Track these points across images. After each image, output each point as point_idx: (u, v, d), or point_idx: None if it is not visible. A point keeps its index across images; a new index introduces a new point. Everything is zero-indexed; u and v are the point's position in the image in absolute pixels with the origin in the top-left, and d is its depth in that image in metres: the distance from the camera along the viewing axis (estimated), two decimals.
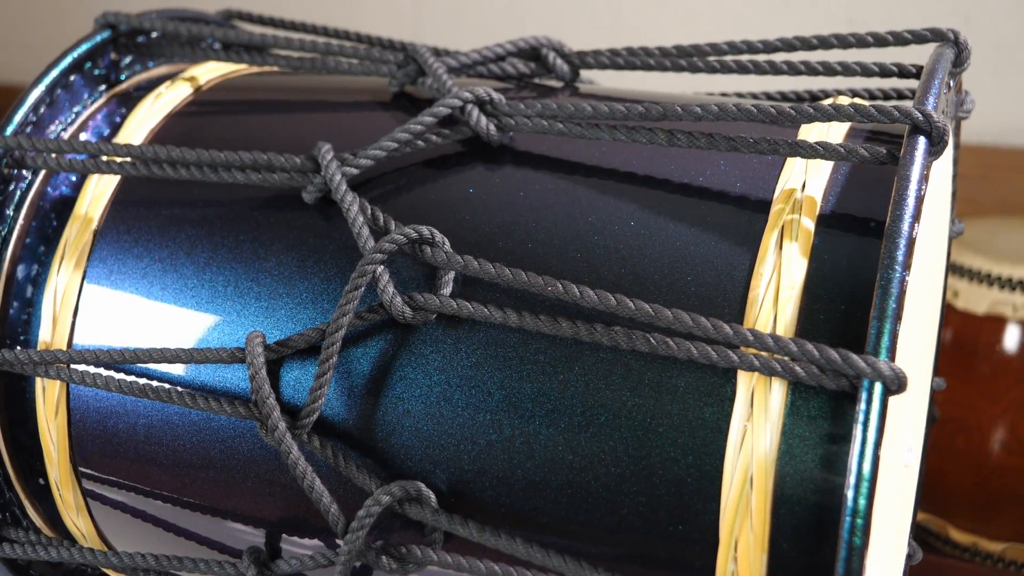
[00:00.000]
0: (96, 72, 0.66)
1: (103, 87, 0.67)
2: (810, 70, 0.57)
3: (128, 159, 0.60)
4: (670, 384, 0.49)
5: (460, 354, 0.52)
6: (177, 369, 0.57)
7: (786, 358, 0.46)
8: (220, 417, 0.56)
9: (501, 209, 0.54)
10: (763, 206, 0.51)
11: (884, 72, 0.56)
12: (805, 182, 0.51)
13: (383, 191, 0.56)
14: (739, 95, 0.66)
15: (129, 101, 0.67)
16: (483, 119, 0.55)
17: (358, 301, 0.52)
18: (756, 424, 0.47)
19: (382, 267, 0.52)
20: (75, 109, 0.65)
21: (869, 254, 0.49)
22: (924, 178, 0.46)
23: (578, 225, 0.52)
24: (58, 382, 0.60)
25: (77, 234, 0.60)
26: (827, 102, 0.53)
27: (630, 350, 0.49)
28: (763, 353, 0.46)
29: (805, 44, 0.58)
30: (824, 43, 0.57)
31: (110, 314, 0.59)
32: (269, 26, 0.72)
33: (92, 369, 0.58)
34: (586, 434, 0.50)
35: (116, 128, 0.65)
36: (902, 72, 0.56)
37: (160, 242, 0.59)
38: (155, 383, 0.56)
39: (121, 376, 0.58)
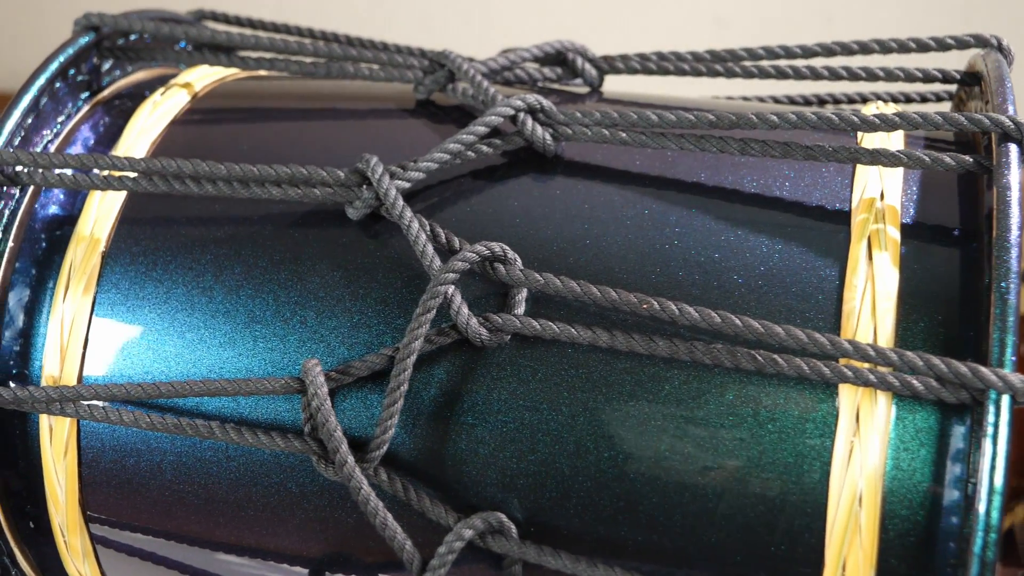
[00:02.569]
0: (79, 78, 0.61)
1: (86, 94, 0.62)
2: (852, 75, 0.57)
3: (135, 174, 0.55)
4: (769, 401, 0.47)
5: (537, 376, 0.49)
6: (215, 402, 0.53)
7: (888, 371, 0.46)
8: (263, 452, 0.52)
9: (567, 223, 0.52)
10: (843, 216, 0.50)
11: (928, 77, 0.56)
12: (883, 191, 0.50)
13: (435, 205, 0.53)
14: (759, 99, 0.65)
15: (114, 110, 0.61)
16: (538, 128, 0.53)
17: (429, 324, 0.49)
18: (864, 439, 0.46)
19: (453, 287, 0.49)
20: (59, 119, 0.60)
21: (957, 263, 0.48)
22: (1022, 185, 0.46)
23: (653, 238, 0.51)
24: (67, 420, 0.55)
25: (84, 256, 0.55)
26: (888, 110, 0.53)
27: (730, 367, 0.47)
28: (876, 367, 0.46)
29: (845, 49, 0.57)
30: (865, 48, 0.57)
31: (128, 344, 0.54)
32: (247, 27, 0.68)
33: (110, 405, 0.53)
34: (679, 455, 0.48)
35: (111, 140, 0.60)
36: (946, 78, 0.56)
37: (183, 263, 0.54)
38: (191, 419, 0.52)
39: (149, 412, 0.53)
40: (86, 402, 0.53)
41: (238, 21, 0.68)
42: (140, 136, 0.58)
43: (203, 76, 0.63)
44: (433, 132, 0.56)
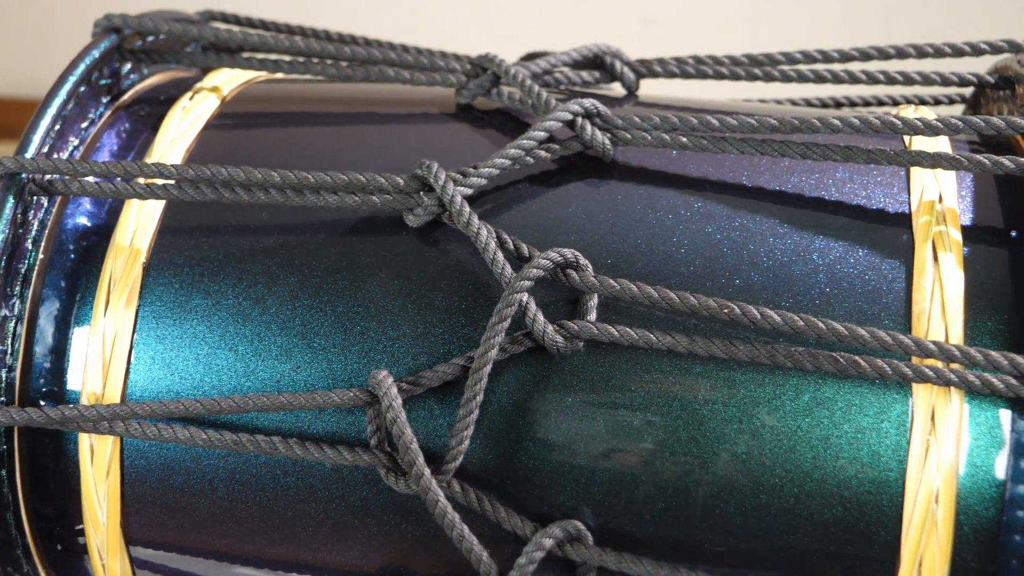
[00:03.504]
0: (102, 82, 0.59)
1: (106, 99, 0.59)
2: (889, 79, 0.58)
3: (179, 181, 0.53)
4: (844, 402, 0.48)
5: (611, 383, 0.49)
6: (270, 416, 0.51)
7: (960, 369, 0.46)
8: (322, 466, 0.51)
9: (631, 228, 0.51)
10: (903, 218, 0.51)
11: (963, 82, 0.58)
12: (941, 194, 0.51)
13: (496, 212, 0.52)
14: (791, 102, 0.66)
15: (137, 116, 0.59)
16: (598, 133, 0.53)
17: (504, 333, 0.48)
18: (940, 438, 0.47)
19: (527, 295, 0.49)
20: (83, 125, 0.58)
21: (1017, 264, 0.49)
22: None
23: (719, 243, 0.51)
24: (111, 439, 0.53)
25: (124, 268, 0.53)
26: (927, 113, 0.54)
27: (811, 370, 0.47)
28: (954, 367, 0.46)
29: (882, 53, 0.58)
30: (901, 53, 0.58)
31: (176, 358, 0.52)
32: (258, 28, 0.66)
33: (163, 423, 0.51)
34: (758, 460, 0.48)
35: (139, 146, 0.58)
36: (980, 81, 0.58)
37: (232, 274, 0.52)
38: (250, 435, 0.50)
39: (204, 429, 0.51)
40: (133, 420, 0.51)
41: (249, 22, 0.66)
42: (174, 143, 0.56)
43: (229, 80, 0.61)
44: (483, 137, 0.56)
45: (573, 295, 0.50)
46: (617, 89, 0.61)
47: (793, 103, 0.66)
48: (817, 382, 0.48)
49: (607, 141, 0.53)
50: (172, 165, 0.52)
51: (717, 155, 0.54)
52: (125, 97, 0.60)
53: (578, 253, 0.49)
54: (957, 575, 0.47)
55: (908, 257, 0.50)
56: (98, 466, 0.53)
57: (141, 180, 0.54)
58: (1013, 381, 0.45)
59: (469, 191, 0.51)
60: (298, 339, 0.51)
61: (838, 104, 0.66)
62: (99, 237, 0.55)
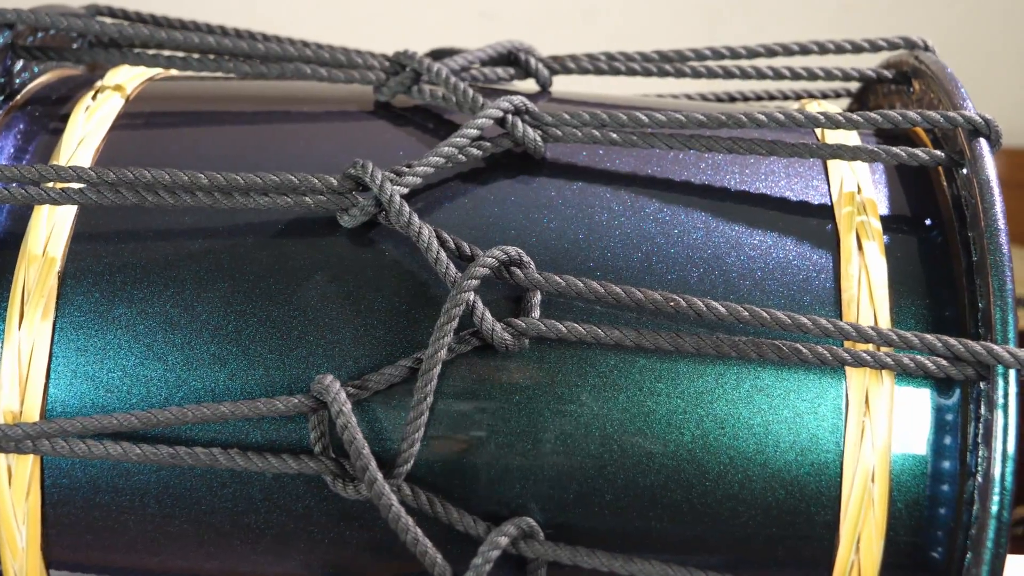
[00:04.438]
0: None
1: (0, 99, 0.56)
2: (794, 75, 0.60)
3: (94, 185, 0.50)
4: (783, 388, 0.49)
5: (557, 379, 0.49)
6: (209, 428, 0.49)
7: (886, 352, 0.49)
8: (262, 476, 0.49)
9: (567, 224, 0.52)
10: (826, 209, 0.53)
11: (863, 77, 0.60)
12: (859, 185, 0.53)
13: (432, 210, 0.52)
14: (703, 97, 0.67)
15: (33, 117, 0.56)
16: (529, 130, 0.53)
17: (452, 333, 0.48)
18: (874, 419, 0.49)
19: (474, 294, 0.48)
20: None
21: (934, 250, 0.52)
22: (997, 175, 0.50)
23: (654, 237, 0.52)
24: (30, 459, 0.50)
25: (39, 278, 0.50)
26: (830, 107, 0.56)
27: (755, 359, 0.49)
28: (885, 350, 0.48)
29: (786, 50, 0.60)
30: (804, 49, 0.60)
31: (100, 371, 0.50)
32: (149, 24, 0.64)
33: (93, 440, 0.49)
34: (703, 448, 0.49)
35: (40, 149, 0.55)
36: (879, 76, 0.60)
37: (157, 280, 0.50)
38: (188, 447, 0.49)
39: (138, 444, 0.49)
40: (60, 438, 0.49)
41: (139, 17, 0.63)
42: (82, 145, 0.54)
43: (130, 78, 0.59)
44: (407, 135, 0.55)
45: (514, 292, 0.50)
46: (530, 86, 0.62)
47: (689, 98, 0.68)
48: (756, 370, 0.49)
49: (538, 138, 0.53)
50: (91, 168, 0.49)
51: (645, 150, 0.54)
52: (19, 97, 0.57)
53: (521, 251, 0.49)
54: (891, 549, 0.49)
55: (834, 246, 0.52)
56: (16, 487, 0.50)
57: (51, 184, 0.51)
58: (944, 362, 0.48)
59: (405, 190, 0.50)
60: (232, 346, 0.50)
61: (733, 99, 0.68)
62: (4, 245, 0.52)
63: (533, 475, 0.49)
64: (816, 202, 0.53)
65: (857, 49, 0.60)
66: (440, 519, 0.49)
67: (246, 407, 0.48)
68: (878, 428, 0.49)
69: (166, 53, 0.58)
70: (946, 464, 0.49)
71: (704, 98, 0.68)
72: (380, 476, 0.47)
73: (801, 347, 0.48)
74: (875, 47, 0.60)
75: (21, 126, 0.56)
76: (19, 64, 0.57)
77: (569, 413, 0.49)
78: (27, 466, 0.50)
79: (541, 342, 0.50)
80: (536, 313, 0.49)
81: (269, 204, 0.50)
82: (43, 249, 0.51)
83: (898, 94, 0.61)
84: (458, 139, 0.52)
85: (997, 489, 0.46)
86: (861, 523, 0.49)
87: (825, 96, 0.68)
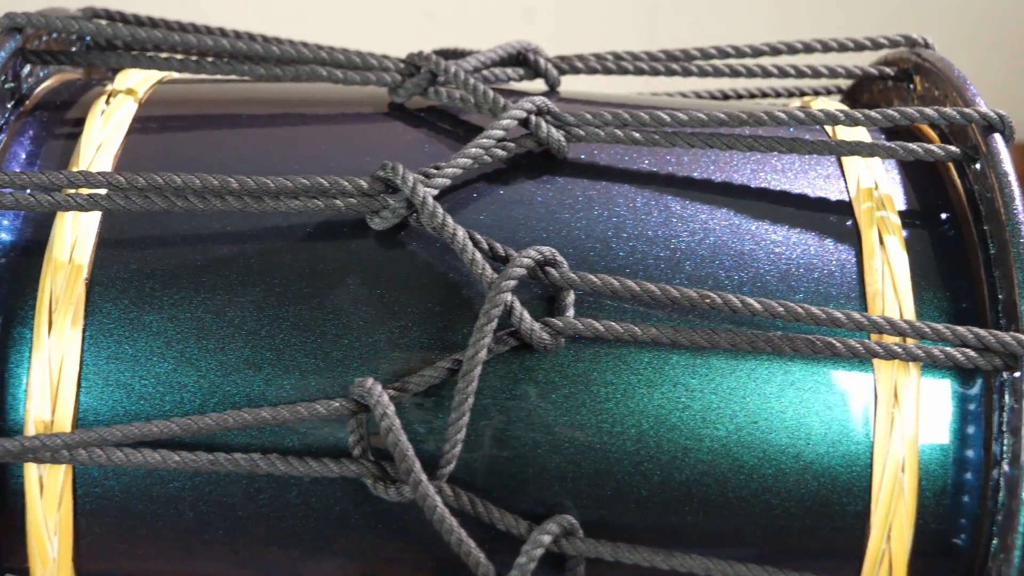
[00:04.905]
0: (6, 87, 0.54)
1: (11, 105, 0.55)
2: (799, 73, 0.61)
3: (121, 191, 0.50)
4: (814, 382, 0.50)
5: (592, 378, 0.50)
6: (244, 433, 0.49)
7: (913, 344, 0.50)
8: (300, 480, 0.49)
9: (594, 224, 0.52)
10: (845, 205, 0.54)
11: (865, 74, 0.62)
12: (876, 181, 0.55)
13: (460, 211, 0.52)
14: (711, 95, 0.68)
15: (43, 122, 0.55)
16: (553, 130, 0.53)
17: (492, 333, 0.48)
18: (903, 409, 0.50)
19: (511, 294, 0.49)
20: None
21: (950, 243, 0.53)
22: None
23: (680, 235, 0.52)
24: (62, 468, 0.49)
25: (66, 285, 0.50)
26: (830, 104, 0.57)
27: (788, 353, 0.50)
28: (907, 342, 0.50)
29: (791, 48, 0.61)
30: (808, 47, 0.61)
31: (132, 379, 0.49)
32: (147, 26, 0.63)
33: (130, 449, 0.48)
34: (737, 442, 0.50)
35: (59, 155, 0.54)
36: (881, 74, 0.62)
37: (187, 286, 0.50)
38: (227, 454, 0.48)
39: (175, 451, 0.48)
40: (95, 447, 0.48)
41: (137, 20, 0.63)
42: (101, 150, 0.53)
43: (140, 81, 0.58)
44: (429, 137, 0.55)
45: (546, 292, 0.50)
46: (539, 85, 0.62)
47: (683, 96, 0.69)
48: (786, 365, 0.50)
49: (562, 138, 0.53)
50: (119, 173, 0.49)
51: (664, 149, 0.55)
52: (28, 102, 0.56)
53: (554, 251, 0.50)
54: (919, 537, 0.51)
55: (856, 242, 0.53)
56: (48, 498, 0.49)
57: (74, 191, 0.50)
58: (972, 353, 0.49)
59: (435, 192, 0.51)
60: (266, 351, 0.49)
61: (727, 97, 0.69)
62: (27, 253, 0.51)
63: (571, 473, 0.50)
64: (834, 198, 0.54)
65: (859, 47, 0.62)
66: (481, 519, 0.49)
67: (287, 411, 0.48)
68: (907, 419, 0.50)
69: (179, 56, 0.58)
70: (970, 453, 0.51)
71: (698, 96, 0.69)
72: (425, 478, 0.48)
73: (835, 341, 0.49)
74: (877, 45, 0.62)
75: (31, 132, 0.55)
76: (26, 68, 0.56)
77: (605, 411, 0.50)
78: (59, 476, 0.49)
79: (575, 341, 0.50)
80: (571, 312, 0.50)
81: (300, 208, 0.50)
82: (69, 256, 0.50)
83: (896, 91, 0.63)
84: (484, 140, 0.52)
85: None
86: (892, 513, 0.51)
87: (817, 93, 0.69)
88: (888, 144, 0.54)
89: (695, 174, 0.55)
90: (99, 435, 0.47)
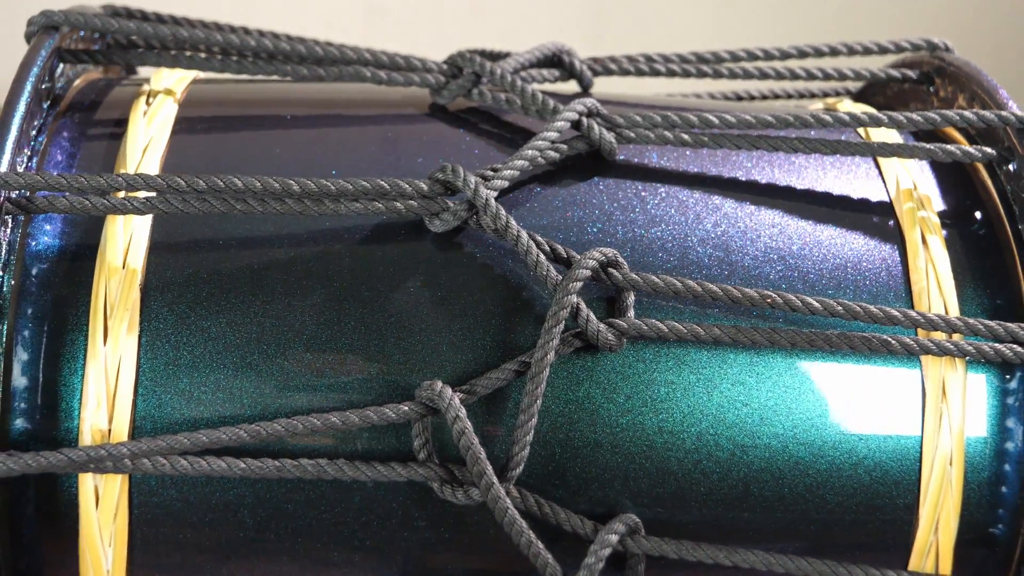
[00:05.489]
0: (43, 86, 0.53)
1: (46, 104, 0.54)
2: (826, 76, 0.62)
3: (173, 192, 0.49)
4: (865, 378, 0.51)
5: (653, 378, 0.50)
6: (303, 439, 0.49)
7: (959, 339, 0.51)
8: (363, 485, 0.49)
9: (648, 225, 0.53)
10: (886, 206, 0.55)
11: (889, 77, 0.63)
12: (915, 182, 0.56)
13: (516, 213, 0.52)
14: (737, 96, 0.69)
15: (79, 123, 0.54)
16: (604, 132, 0.53)
17: (559, 336, 0.48)
18: (950, 404, 0.52)
19: (576, 296, 0.49)
20: (32, 134, 0.52)
21: (985, 242, 0.55)
22: None
23: (731, 237, 0.53)
24: (119, 479, 0.48)
25: (121, 291, 0.49)
26: (855, 107, 0.58)
27: (846, 351, 0.51)
28: (953, 337, 0.51)
29: (817, 51, 0.62)
30: (834, 51, 0.62)
31: (190, 386, 0.48)
32: (170, 24, 0.62)
33: (195, 458, 0.47)
34: (793, 439, 0.51)
35: (96, 156, 0.52)
36: (903, 77, 0.63)
37: (245, 290, 0.49)
38: (293, 460, 0.48)
39: (236, 459, 0.48)
40: (159, 456, 0.47)
41: (159, 18, 0.61)
42: (148, 152, 0.52)
43: (179, 80, 0.57)
44: (479, 138, 0.55)
45: (605, 293, 0.51)
46: (573, 87, 0.62)
47: (712, 97, 0.70)
48: (839, 362, 0.51)
49: (613, 140, 0.54)
50: (180, 176, 0.48)
51: (709, 151, 0.56)
52: (62, 103, 0.55)
53: (616, 252, 0.50)
54: (963, 528, 0.52)
55: (899, 241, 0.54)
56: (104, 509, 0.48)
57: (122, 194, 0.49)
58: (1020, 349, 0.50)
59: (495, 194, 0.50)
60: (329, 355, 0.49)
61: (739, 98, 0.69)
62: (76, 258, 0.50)
63: (632, 473, 0.50)
64: (875, 199, 0.55)
65: (883, 51, 0.63)
66: (548, 520, 0.49)
67: (356, 416, 0.47)
68: (954, 413, 0.52)
69: (214, 56, 0.57)
70: (1009, 445, 0.52)
71: (712, 97, 0.70)
72: (496, 481, 0.48)
73: (890, 339, 0.50)
74: (900, 48, 0.63)
75: (67, 133, 0.54)
76: (60, 68, 0.55)
77: (666, 410, 0.50)
78: (116, 487, 0.48)
79: (636, 341, 0.50)
80: (631, 313, 0.50)
81: (359, 210, 0.49)
82: (123, 260, 0.49)
83: (914, 93, 0.64)
84: (540, 142, 0.52)
85: None
86: (940, 505, 0.52)
87: (826, 95, 0.71)
88: (927, 146, 0.55)
89: (740, 175, 0.55)
90: (167, 443, 0.46)
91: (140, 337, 0.48)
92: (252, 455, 0.48)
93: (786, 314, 0.51)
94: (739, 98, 0.70)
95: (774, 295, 0.50)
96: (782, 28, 1.35)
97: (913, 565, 0.52)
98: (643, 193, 0.54)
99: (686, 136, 0.54)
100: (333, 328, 0.49)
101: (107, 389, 0.48)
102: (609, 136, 0.54)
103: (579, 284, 0.49)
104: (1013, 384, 0.52)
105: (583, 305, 0.49)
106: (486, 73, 0.56)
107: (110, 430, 0.48)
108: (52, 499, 0.49)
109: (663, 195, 0.54)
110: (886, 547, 0.52)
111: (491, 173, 0.51)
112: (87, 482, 0.48)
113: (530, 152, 0.52)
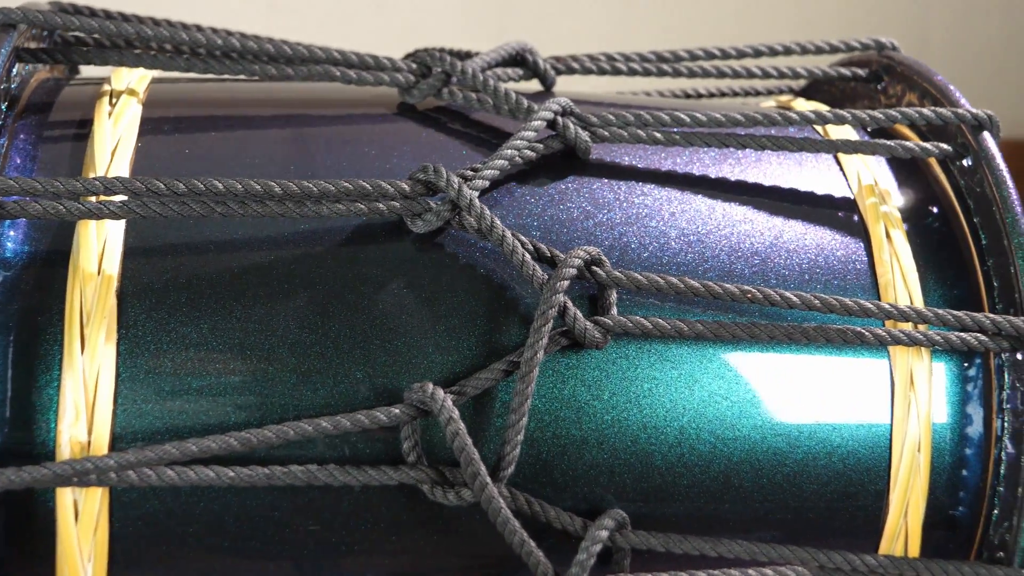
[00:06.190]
0: (1, 87, 0.51)
1: (4, 106, 0.52)
2: (780, 75, 0.63)
3: (150, 196, 0.48)
4: (836, 369, 0.53)
5: (636, 374, 0.51)
6: (292, 446, 0.48)
7: (929, 331, 0.53)
8: (350, 490, 0.48)
9: (626, 223, 0.53)
10: (849, 202, 0.57)
11: (841, 77, 0.65)
12: (875, 179, 0.57)
13: (496, 213, 0.52)
14: (686, 95, 0.69)
15: (37, 126, 0.52)
16: (580, 131, 0.54)
17: (548, 335, 0.49)
18: (918, 392, 0.53)
19: (563, 295, 0.49)
20: None
21: (943, 235, 0.57)
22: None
23: (706, 232, 0.54)
24: (99, 492, 0.47)
25: (97, 298, 0.47)
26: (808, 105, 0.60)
27: (822, 343, 0.52)
28: (919, 328, 0.53)
29: (772, 51, 0.64)
30: (787, 50, 0.64)
31: (172, 394, 0.47)
32: (134, 22, 0.60)
33: (179, 468, 0.46)
34: (771, 431, 0.52)
35: (63, 159, 0.51)
36: (854, 76, 0.65)
37: (226, 295, 0.48)
38: (283, 467, 0.47)
39: (224, 468, 0.47)
40: (140, 469, 0.46)
41: (107, 14, 0.59)
42: (116, 154, 0.50)
43: (139, 80, 0.55)
44: (453, 138, 0.55)
45: (586, 291, 0.51)
46: (534, 85, 0.62)
47: (661, 95, 0.70)
48: (814, 355, 0.53)
49: (588, 139, 0.54)
50: (159, 179, 0.47)
51: (680, 148, 0.56)
52: (19, 104, 0.53)
53: (599, 250, 0.50)
54: (930, 511, 0.54)
55: (864, 235, 0.55)
56: (83, 524, 0.47)
57: (93, 198, 0.48)
58: (984, 337, 0.52)
59: (476, 193, 0.50)
60: (315, 360, 0.48)
61: (688, 96, 0.70)
62: (47, 264, 0.48)
63: (618, 469, 0.51)
64: (839, 195, 0.57)
65: (834, 50, 0.64)
66: (537, 518, 0.49)
67: (348, 421, 0.47)
68: (921, 401, 0.53)
69: (184, 54, 0.55)
70: (970, 430, 0.54)
71: (661, 95, 0.71)
72: (490, 481, 0.47)
73: (863, 330, 0.51)
74: (850, 48, 0.65)
75: (23, 135, 0.52)
76: (16, 66, 0.53)
77: (649, 406, 0.51)
78: (96, 500, 0.47)
79: (619, 338, 0.51)
80: (615, 310, 0.51)
81: (341, 212, 0.49)
82: (98, 266, 0.47)
83: (863, 91, 0.66)
84: (518, 141, 0.52)
85: None
86: (909, 490, 0.53)
87: (771, 92, 0.72)
88: (888, 143, 0.56)
89: (711, 173, 0.56)
90: (155, 454, 0.45)
91: (118, 345, 0.47)
92: (240, 463, 0.47)
93: (762, 308, 0.52)
94: (687, 96, 0.71)
95: (754, 290, 0.51)
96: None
97: (884, 549, 0.54)
98: (619, 191, 0.54)
99: (658, 135, 0.55)
100: (318, 332, 0.48)
101: (86, 400, 0.46)
102: (584, 135, 0.54)
103: (566, 283, 0.49)
104: (972, 372, 0.54)
105: (570, 304, 0.49)
106: (456, 72, 0.56)
107: (89, 442, 0.46)
108: (25, 515, 0.47)
109: (639, 193, 0.54)
110: (858, 532, 0.54)
111: (471, 173, 0.51)
112: (66, 496, 0.46)
113: (509, 151, 0.52)
